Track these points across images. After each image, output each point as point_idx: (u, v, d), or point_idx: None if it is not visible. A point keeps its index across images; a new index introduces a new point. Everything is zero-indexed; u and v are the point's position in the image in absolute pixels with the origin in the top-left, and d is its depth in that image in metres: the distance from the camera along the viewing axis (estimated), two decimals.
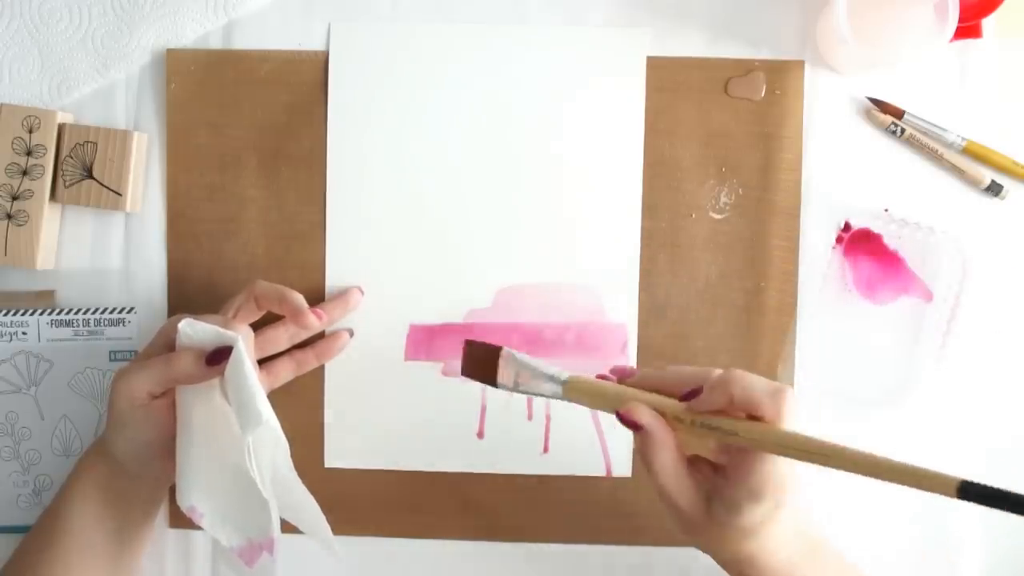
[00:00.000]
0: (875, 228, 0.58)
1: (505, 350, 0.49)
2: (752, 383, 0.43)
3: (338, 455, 0.59)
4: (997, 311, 0.59)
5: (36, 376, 0.59)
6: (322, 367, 0.59)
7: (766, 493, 0.42)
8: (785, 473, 0.42)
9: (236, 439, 0.49)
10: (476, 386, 0.58)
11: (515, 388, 0.49)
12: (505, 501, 0.59)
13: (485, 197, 0.58)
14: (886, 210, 0.58)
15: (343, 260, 0.58)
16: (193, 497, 0.49)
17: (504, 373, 0.49)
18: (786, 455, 0.42)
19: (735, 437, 0.43)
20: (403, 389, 0.59)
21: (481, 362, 0.50)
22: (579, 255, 0.58)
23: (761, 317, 0.58)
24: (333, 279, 0.59)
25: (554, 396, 0.48)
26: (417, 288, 0.59)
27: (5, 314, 0.58)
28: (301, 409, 0.59)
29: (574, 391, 0.48)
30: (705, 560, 0.59)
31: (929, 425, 0.59)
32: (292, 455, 0.56)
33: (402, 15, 0.58)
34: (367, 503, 0.59)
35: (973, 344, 0.58)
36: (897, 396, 0.58)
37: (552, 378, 0.48)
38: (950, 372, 0.58)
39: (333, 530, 0.59)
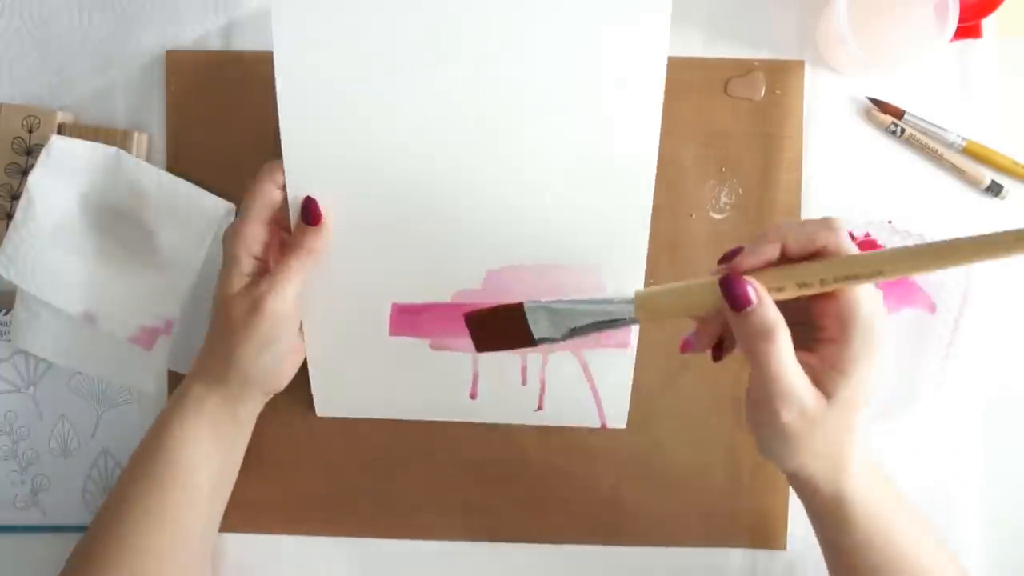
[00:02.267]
0: (879, 239, 0.58)
1: (529, 303, 0.46)
2: (799, 223, 0.41)
3: (328, 405, 0.58)
4: (999, 317, 0.58)
5: (35, 376, 0.59)
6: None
7: (856, 331, 0.41)
8: (867, 311, 0.41)
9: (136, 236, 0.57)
10: (467, 357, 0.56)
11: (563, 336, 0.45)
12: (505, 501, 0.59)
13: (475, 174, 0.52)
14: (889, 222, 0.58)
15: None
16: (87, 301, 0.55)
17: (540, 327, 0.45)
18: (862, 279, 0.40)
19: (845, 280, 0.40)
20: (390, 361, 0.56)
21: (501, 328, 0.47)
22: (578, 234, 0.53)
23: None
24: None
25: (626, 323, 0.44)
26: (402, 267, 0.54)
27: (5, 313, 0.58)
28: (298, 422, 0.59)
29: (647, 308, 0.44)
30: (705, 561, 0.59)
31: (932, 437, 0.58)
32: (290, 469, 0.56)
33: None
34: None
35: (976, 356, 0.58)
36: (900, 408, 0.58)
37: (610, 306, 0.44)
38: (953, 384, 0.58)
39: (333, 530, 0.59)
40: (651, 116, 0.50)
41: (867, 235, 0.58)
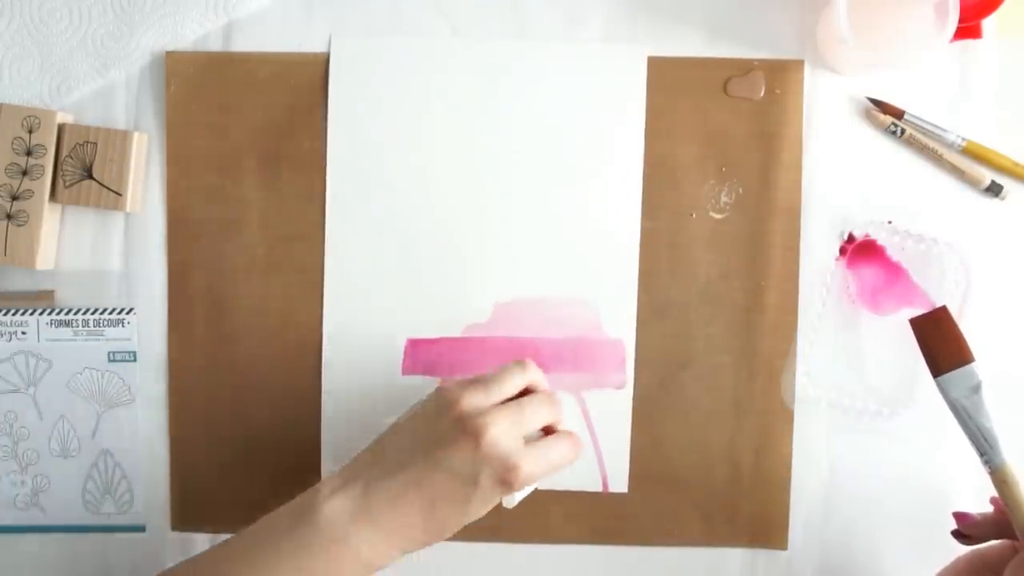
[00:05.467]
0: (879, 240, 0.58)
1: (972, 368, 0.51)
2: None
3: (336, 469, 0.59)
4: (998, 317, 0.58)
5: (35, 376, 0.59)
6: (319, 380, 0.59)
7: None
8: None
9: None
10: None
11: (951, 404, 0.51)
12: None
13: (484, 210, 0.58)
14: (889, 222, 0.58)
15: (341, 269, 0.58)
16: None
17: (952, 384, 0.51)
18: None
19: None
20: (400, 404, 0.58)
21: (936, 347, 0.52)
22: (578, 269, 0.58)
23: (762, 316, 0.58)
24: (332, 285, 0.58)
25: (986, 465, 0.50)
26: (415, 301, 0.58)
27: (5, 314, 0.58)
28: (299, 424, 0.59)
29: (999, 480, 0.49)
30: (705, 560, 0.59)
31: (930, 436, 0.58)
32: (290, 470, 0.56)
33: (402, 12, 0.58)
34: None
35: (976, 356, 0.58)
36: (899, 407, 0.58)
37: (985, 452, 0.50)
38: None
39: None
40: (634, 180, 0.58)
41: (867, 235, 0.58)
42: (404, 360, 0.58)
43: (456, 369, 0.58)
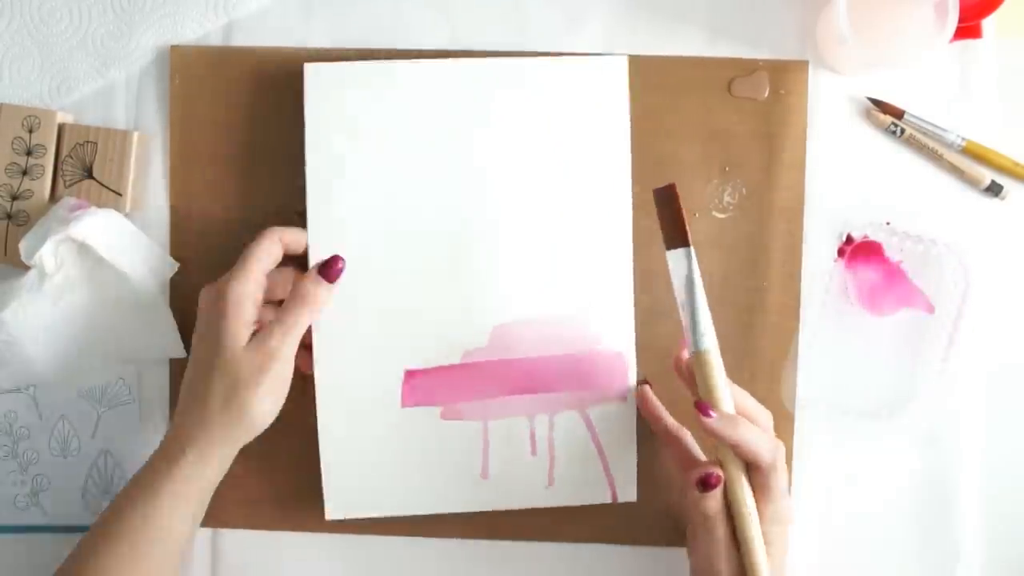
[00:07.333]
0: (877, 241, 0.58)
1: (691, 251, 0.50)
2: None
3: (339, 507, 0.57)
4: (998, 317, 0.58)
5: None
6: (315, 418, 0.57)
7: None
8: None
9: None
10: (477, 426, 0.57)
11: (677, 278, 0.51)
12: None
13: (475, 233, 0.57)
14: (888, 223, 0.58)
15: (332, 312, 0.56)
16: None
17: (676, 261, 0.51)
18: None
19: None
20: (402, 436, 0.57)
21: (668, 222, 0.51)
22: (572, 287, 0.57)
23: (764, 316, 0.58)
24: (324, 331, 0.56)
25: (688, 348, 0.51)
26: (411, 332, 0.56)
27: None
28: (297, 421, 0.57)
29: (701, 363, 0.50)
30: None
31: (930, 436, 0.58)
32: (289, 468, 0.56)
33: (403, 12, 0.58)
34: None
35: (976, 357, 0.58)
36: (899, 408, 0.58)
37: (694, 333, 0.50)
38: (952, 384, 0.58)
39: (333, 527, 0.59)
40: (622, 191, 0.57)
41: (865, 236, 0.58)
42: (403, 392, 0.57)
43: (457, 397, 0.57)
